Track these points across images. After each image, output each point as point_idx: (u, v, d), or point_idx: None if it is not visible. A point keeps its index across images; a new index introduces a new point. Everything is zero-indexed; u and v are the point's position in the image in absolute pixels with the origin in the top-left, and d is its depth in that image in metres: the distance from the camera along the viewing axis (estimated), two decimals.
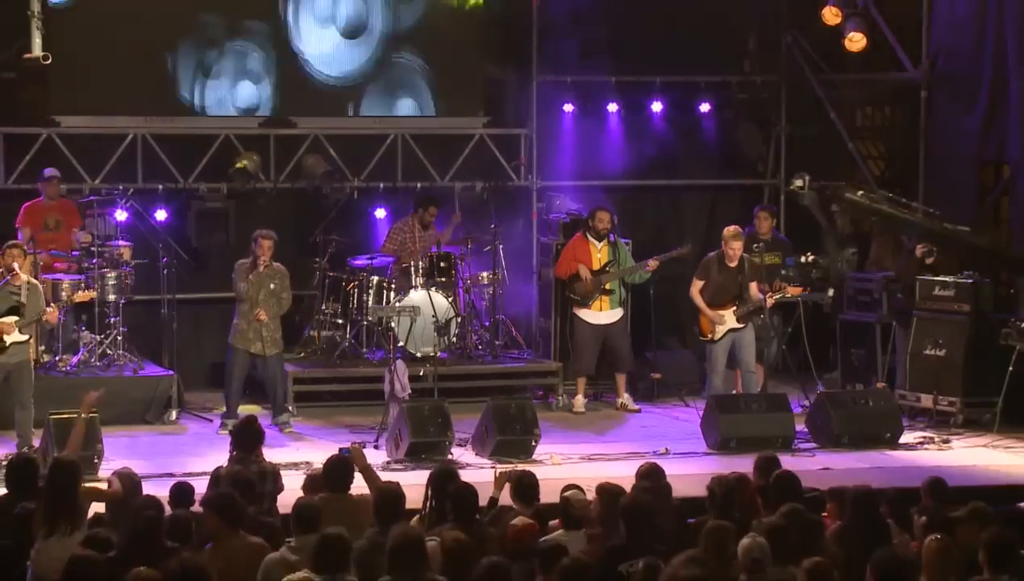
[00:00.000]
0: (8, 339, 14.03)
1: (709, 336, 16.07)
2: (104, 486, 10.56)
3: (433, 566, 8.56)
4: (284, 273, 15.80)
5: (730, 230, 15.97)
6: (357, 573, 8.51)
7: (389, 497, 9.73)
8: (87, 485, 10.47)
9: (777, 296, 16.20)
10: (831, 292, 15.78)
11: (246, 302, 15.54)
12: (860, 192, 12.16)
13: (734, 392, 16.04)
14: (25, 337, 14.19)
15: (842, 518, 9.87)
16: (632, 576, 8.73)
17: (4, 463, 13.37)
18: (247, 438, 11.26)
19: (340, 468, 10.52)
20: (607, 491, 9.96)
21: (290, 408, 15.88)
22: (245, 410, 15.40)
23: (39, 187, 16.61)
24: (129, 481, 10.18)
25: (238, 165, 17.36)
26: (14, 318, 14.06)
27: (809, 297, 16.78)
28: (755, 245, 16.55)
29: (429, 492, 10.14)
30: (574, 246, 16.88)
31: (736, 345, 16.01)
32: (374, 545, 8.71)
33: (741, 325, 15.98)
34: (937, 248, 16.27)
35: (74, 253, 16.37)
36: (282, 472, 11.51)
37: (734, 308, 15.95)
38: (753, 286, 15.99)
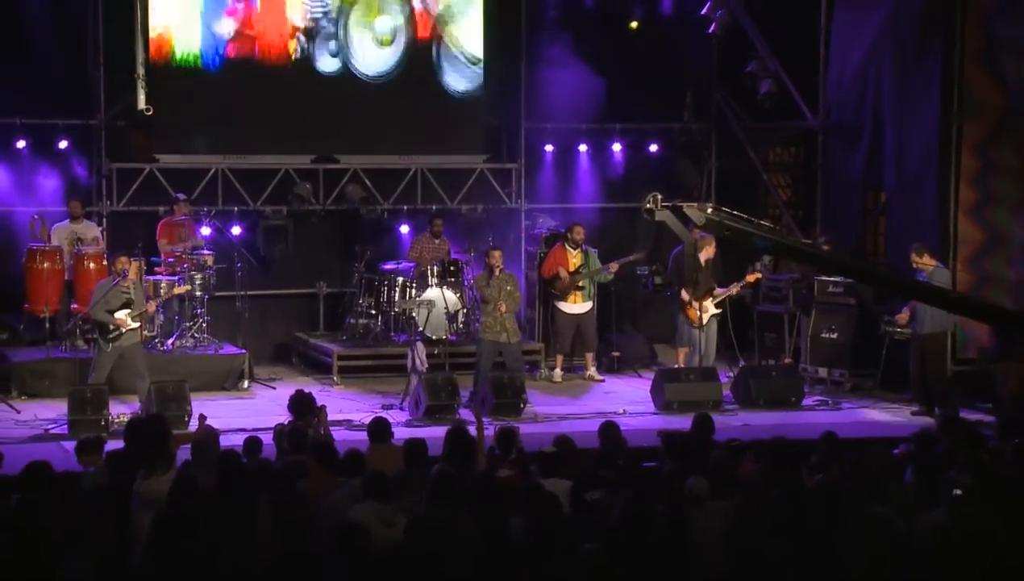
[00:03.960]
0: (125, 329, 14.06)
1: (698, 324, 15.96)
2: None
3: None
4: (515, 277, 15.65)
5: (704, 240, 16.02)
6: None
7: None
8: (175, 433, 10.45)
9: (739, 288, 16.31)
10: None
11: (491, 303, 15.24)
12: (709, 209, 11.77)
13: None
14: (136, 325, 14.21)
15: (761, 463, 9.85)
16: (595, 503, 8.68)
17: (117, 421, 13.46)
18: (300, 406, 11.24)
19: (381, 425, 10.59)
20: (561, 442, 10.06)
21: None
22: (296, 383, 15.37)
23: (173, 208, 16.53)
24: (209, 434, 10.13)
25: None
26: (126, 311, 14.06)
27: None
28: None
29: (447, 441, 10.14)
30: (555, 253, 16.85)
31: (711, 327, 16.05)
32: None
33: (719, 310, 15.96)
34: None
35: (200, 251, 16.29)
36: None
37: (711, 298, 15.93)
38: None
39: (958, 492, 8.67)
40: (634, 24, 18.81)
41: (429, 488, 8.55)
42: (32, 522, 7.91)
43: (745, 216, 12.34)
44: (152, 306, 14.68)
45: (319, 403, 11.41)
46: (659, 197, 13.08)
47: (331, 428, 11.66)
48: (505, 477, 9.25)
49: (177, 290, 15.42)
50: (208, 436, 10.03)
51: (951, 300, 13.05)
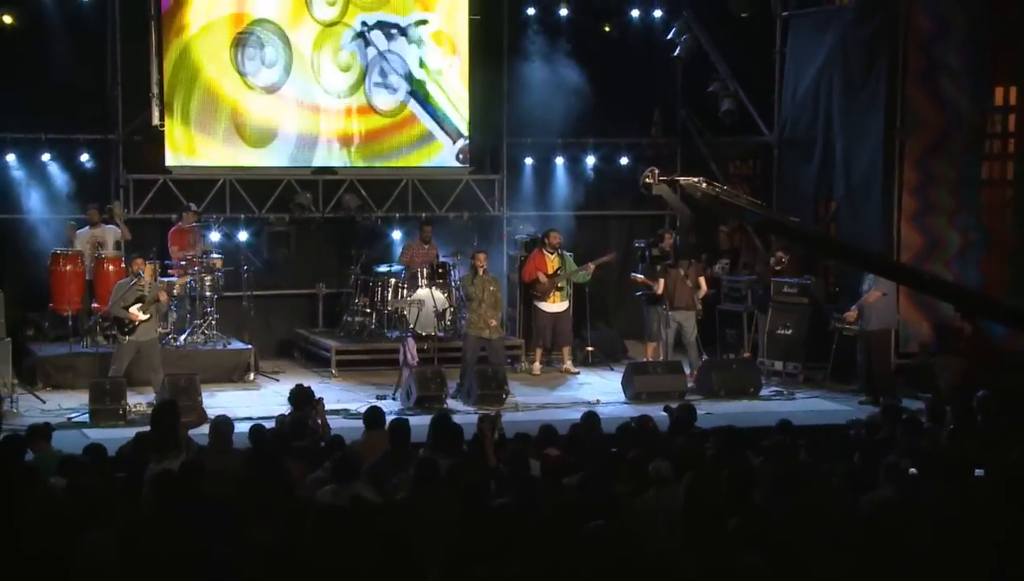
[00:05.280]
0: (137, 321, 14.09)
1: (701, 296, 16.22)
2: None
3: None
4: (498, 279, 15.64)
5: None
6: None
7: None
8: (184, 421, 10.51)
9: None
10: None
11: (475, 300, 15.24)
12: (704, 183, 11.71)
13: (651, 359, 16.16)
14: (147, 316, 14.19)
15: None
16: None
17: (134, 410, 13.52)
18: (299, 398, 11.31)
19: (375, 413, 10.66)
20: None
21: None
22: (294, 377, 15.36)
23: (183, 216, 16.57)
24: (224, 424, 10.18)
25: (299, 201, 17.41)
26: (138, 305, 14.12)
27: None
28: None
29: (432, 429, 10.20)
30: (534, 258, 16.93)
31: None
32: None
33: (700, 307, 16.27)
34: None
35: (210, 255, 16.31)
36: (327, 416, 11.58)
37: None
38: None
39: (913, 471, 8.81)
40: (607, 28, 18.88)
41: (416, 471, 8.59)
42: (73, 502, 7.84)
43: (735, 192, 12.25)
44: (164, 297, 14.64)
45: (317, 396, 11.49)
46: (656, 171, 12.93)
47: (329, 416, 11.74)
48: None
49: (177, 287, 15.42)
50: (223, 423, 10.08)
51: (925, 280, 13.11)
